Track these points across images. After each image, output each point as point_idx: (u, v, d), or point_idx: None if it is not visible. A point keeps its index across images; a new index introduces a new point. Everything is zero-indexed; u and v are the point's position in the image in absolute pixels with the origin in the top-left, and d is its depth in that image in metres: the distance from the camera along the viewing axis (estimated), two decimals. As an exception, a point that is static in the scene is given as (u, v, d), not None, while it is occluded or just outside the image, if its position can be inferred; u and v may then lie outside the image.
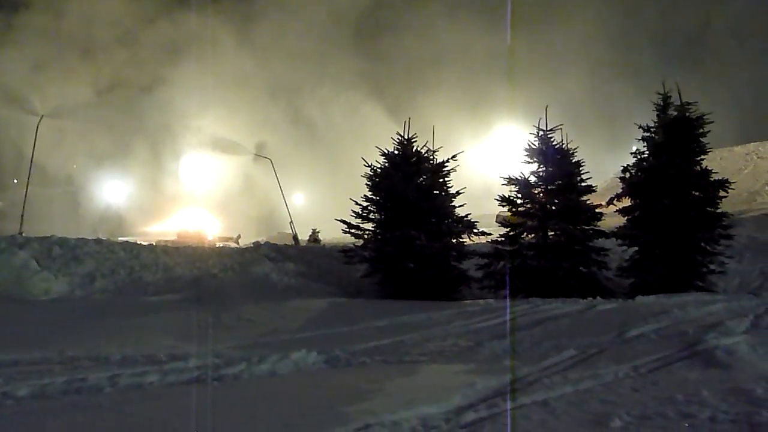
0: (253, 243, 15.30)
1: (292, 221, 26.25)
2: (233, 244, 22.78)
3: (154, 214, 33.48)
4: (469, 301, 8.88)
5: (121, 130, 35.09)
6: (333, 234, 18.22)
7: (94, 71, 36.87)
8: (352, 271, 11.31)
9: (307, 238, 24.06)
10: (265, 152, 34.66)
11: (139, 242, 14.59)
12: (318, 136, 40.75)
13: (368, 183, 10.61)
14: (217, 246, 17.64)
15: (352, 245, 11.08)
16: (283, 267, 12.32)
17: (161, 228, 31.24)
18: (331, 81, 42.63)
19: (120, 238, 17.57)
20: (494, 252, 10.34)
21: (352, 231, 10.76)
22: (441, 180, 10.47)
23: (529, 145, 10.35)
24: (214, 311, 7.86)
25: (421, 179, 10.46)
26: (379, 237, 10.52)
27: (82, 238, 12.53)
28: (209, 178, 36.87)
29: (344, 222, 10.81)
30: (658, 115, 9.95)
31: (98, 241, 12.61)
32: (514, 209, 10.37)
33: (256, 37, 41.66)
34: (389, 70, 45.50)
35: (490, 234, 10.41)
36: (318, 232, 24.08)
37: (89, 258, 11.34)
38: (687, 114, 9.64)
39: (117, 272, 11.16)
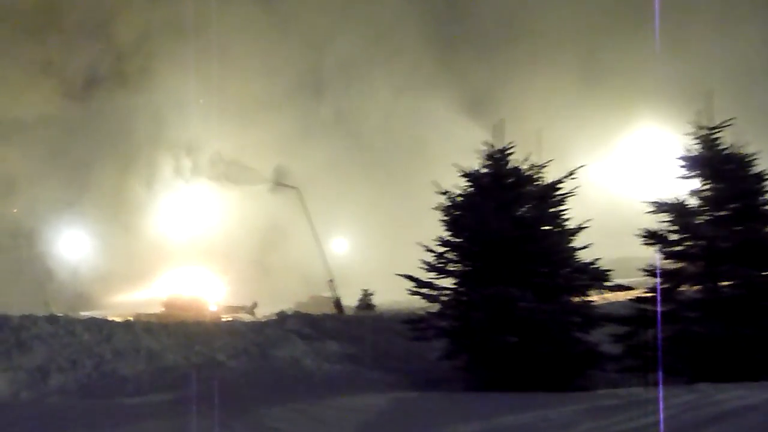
0: (277, 314, 16.69)
1: (332, 280, 27.60)
2: (247, 317, 24.68)
3: (132, 277, 35.79)
4: (603, 391, 9.17)
5: (82, 154, 38.49)
6: (393, 296, 19.31)
7: (42, 68, 40.16)
8: (424, 350, 12.34)
9: (356, 303, 25.73)
10: (288, 180, 36.73)
11: (110, 318, 16.09)
12: (363, 153, 42.42)
13: (444, 219, 10.99)
14: (224, 320, 19.39)
15: (422, 312, 11.71)
16: (321, 348, 13.52)
17: (142, 296, 33.55)
18: (383, 72, 44.11)
19: (83, 314, 19.32)
20: (638, 315, 10.22)
21: (423, 291, 11.15)
22: (553, 210, 10.49)
23: (685, 151, 10.44)
24: (222, 418, 8.14)
25: (523, 209, 10.59)
26: (464, 298, 10.81)
27: (29, 315, 13.91)
28: (209, 221, 39.68)
29: (410, 278, 11.16)
30: None
31: (52, 319, 13.89)
32: (665, 249, 10.29)
33: (276, 8, 45.02)
34: (464, 56, 44.63)
35: (631, 288, 10.41)
36: (371, 294, 25.89)
37: (40, 344, 12.57)
38: None
39: (80, 363, 12.22)
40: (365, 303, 24.91)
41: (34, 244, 37.49)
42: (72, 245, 38.61)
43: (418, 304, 12.40)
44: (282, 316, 15.92)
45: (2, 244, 36.51)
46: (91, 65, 40.62)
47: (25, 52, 38.73)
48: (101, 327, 13.80)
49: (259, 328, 15.01)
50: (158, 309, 28.59)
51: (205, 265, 34.78)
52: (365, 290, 25.61)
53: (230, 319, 20.56)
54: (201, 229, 39.08)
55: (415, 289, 11.30)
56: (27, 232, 37.60)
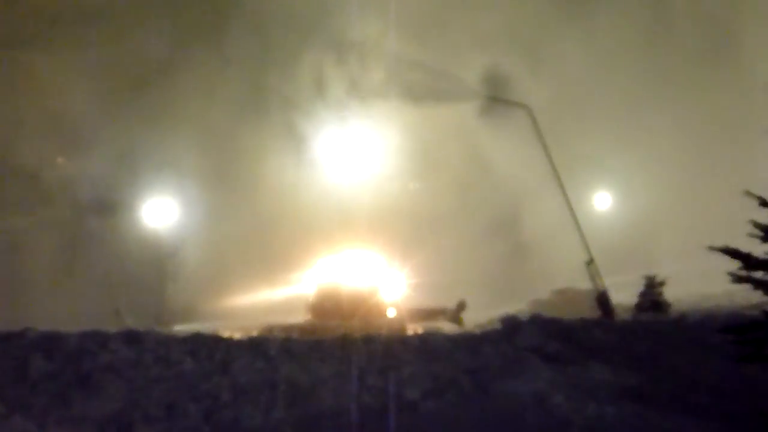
0: (501, 320, 17.59)
1: (592, 261, 27.08)
2: (450, 326, 25.74)
3: (256, 268, 38.20)
4: None
5: (169, 74, 41.29)
6: (698, 287, 20.61)
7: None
8: (762, 378, 12.46)
9: (635, 300, 25.71)
10: (509, 93, 36.55)
11: (225, 334, 17.84)
12: (631, 57, 42.40)
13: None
14: (413, 332, 20.77)
15: (756, 313, 11.85)
16: (580, 376, 13.80)
17: (275, 296, 35.67)
18: None
19: (179, 328, 20.59)
20: None
21: (757, 277, 11.45)
22: None
23: None
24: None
25: None
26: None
27: (95, 333, 15.49)
28: (381, 173, 41.49)
29: (734, 254, 11.54)
30: None
31: (131, 337, 15.42)
32: None
33: None
34: None
35: None
36: (660, 284, 25.53)
37: (114, 378, 13.97)
38: None
39: (180, 409, 13.27)
40: (651, 299, 24.08)
41: (100, 217, 40.56)
42: (159, 221, 41.79)
43: (745, 299, 12.50)
44: (511, 325, 16.65)
45: (50, 216, 39.74)
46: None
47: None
48: (212, 349, 15.13)
49: (474, 344, 15.77)
50: (302, 317, 29.98)
51: (376, 245, 35.51)
52: (650, 277, 24.64)
53: (423, 330, 20.62)
54: (368, 186, 40.45)
55: (743, 274, 11.49)
56: (86, 197, 40.64)
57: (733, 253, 11.58)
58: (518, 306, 23.58)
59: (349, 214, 39.22)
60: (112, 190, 39.90)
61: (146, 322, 25.39)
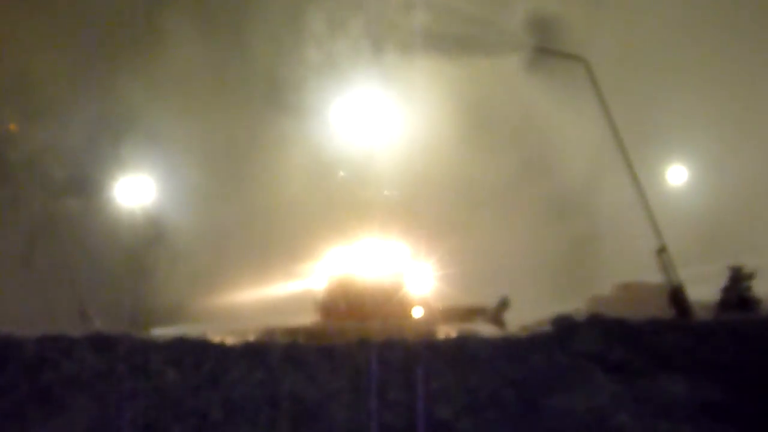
0: (552, 321, 17.20)
1: (664, 249, 26.99)
2: (489, 328, 25.96)
3: (256, 259, 38.81)
4: None
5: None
6: None
7: None
8: None
9: (720, 293, 25.53)
10: (561, 44, 36.74)
11: (215, 338, 18.04)
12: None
13: None
14: (444, 336, 20.98)
15: None
16: (650, 390, 13.71)
17: (277, 293, 35.97)
18: None
19: (159, 331, 20.73)
20: None
21: None
22: None
23: None
24: None
25: None
26: None
27: (57, 337, 15.55)
28: (407, 143, 41.26)
29: None
30: None
31: (98, 342, 15.56)
32: None
33: None
34: None
35: None
36: (749, 277, 25.33)
37: (80, 395, 14.12)
38: None
39: (164, 430, 13.56)
40: (737, 295, 23.93)
41: (65, 204, 41.25)
42: (135, 203, 41.86)
43: None
44: (564, 327, 16.53)
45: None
46: None
47: None
48: (200, 357, 15.15)
49: (519, 351, 15.78)
50: (309, 317, 30.09)
51: (400, 231, 35.56)
52: (735, 268, 24.55)
53: (456, 334, 20.56)
54: (392, 160, 40.69)
55: None
56: (53, 179, 41.28)
57: None
58: (573, 304, 23.46)
59: (368, 192, 39.91)
60: (80, 166, 40.14)
61: (119, 325, 25.47)
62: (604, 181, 35.25)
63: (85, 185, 40.24)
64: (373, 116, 41.77)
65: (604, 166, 34.10)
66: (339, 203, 38.93)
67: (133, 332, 19.20)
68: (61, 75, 39.53)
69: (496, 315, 29.60)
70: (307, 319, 29.93)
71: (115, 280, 37.25)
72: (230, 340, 18.48)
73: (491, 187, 39.14)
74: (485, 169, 39.36)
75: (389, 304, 29.51)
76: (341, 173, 40.51)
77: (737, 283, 25.96)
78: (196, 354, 15.81)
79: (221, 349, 16.43)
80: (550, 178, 39.57)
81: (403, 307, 29.72)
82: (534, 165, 39.73)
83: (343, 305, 29.78)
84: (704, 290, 26.77)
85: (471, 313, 30.15)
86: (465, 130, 39.81)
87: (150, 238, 39.84)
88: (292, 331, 25.72)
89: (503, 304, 29.95)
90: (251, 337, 22.20)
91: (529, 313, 26.41)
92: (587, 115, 32.57)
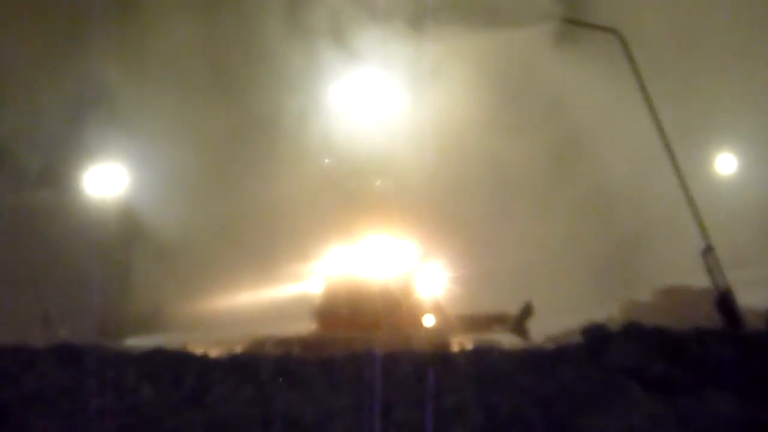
0: (583, 331, 17.18)
1: (710, 248, 26.88)
2: (510, 339, 26.01)
3: (242, 260, 38.89)
4: None
5: None
6: None
7: None
8: None
9: None
10: (592, 15, 36.83)
11: (197, 350, 18.41)
12: None
13: None
14: (459, 347, 21.29)
15: None
16: (697, 409, 13.53)
17: (268, 298, 36.13)
18: None
19: (133, 341, 20.76)
20: None
21: None
22: None
23: None
24: None
25: None
26: None
27: (20, 347, 15.79)
28: (410, 126, 41.27)
29: None
30: None
31: (66, 353, 15.63)
32: None
33: None
34: None
35: None
36: None
37: (45, 416, 14.04)
38: None
39: None
40: None
41: (26, 196, 41.44)
42: (107, 195, 41.99)
43: None
44: (597, 337, 16.58)
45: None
46: None
47: None
48: (180, 371, 15.23)
49: (545, 364, 15.84)
50: (305, 326, 30.25)
51: (409, 228, 35.61)
52: None
53: (473, 345, 20.61)
54: (401, 145, 40.78)
55: None
56: (13, 168, 41.42)
57: None
58: (607, 311, 23.46)
59: (373, 183, 39.80)
60: (45, 153, 40.23)
61: (87, 334, 25.45)
62: (643, 170, 35.44)
63: (52, 175, 40.38)
64: (381, 97, 41.95)
65: (642, 153, 34.08)
66: (340, 196, 38.94)
67: (104, 342, 19.16)
68: (18, 51, 39.67)
69: (519, 323, 29.56)
70: (303, 328, 30.00)
71: (83, 282, 37.01)
72: (215, 352, 18.57)
73: (516, 176, 39.33)
74: (509, 155, 39.59)
75: (396, 310, 29.55)
76: (326, 161, 40.33)
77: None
78: (176, 368, 15.81)
79: (205, 363, 16.44)
80: (582, 166, 39.77)
81: (412, 315, 29.74)
82: (564, 150, 39.97)
83: (344, 312, 29.72)
84: (757, 296, 26.71)
85: (490, 321, 30.17)
86: (486, 111, 40.23)
87: (125, 235, 39.99)
88: (286, 342, 25.82)
89: (527, 311, 29.91)
90: (239, 349, 22.23)
91: (557, 321, 26.55)
92: (624, 94, 32.58)
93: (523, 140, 39.36)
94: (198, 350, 18.88)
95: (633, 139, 35.08)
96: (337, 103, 42.34)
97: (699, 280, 28.25)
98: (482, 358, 17.05)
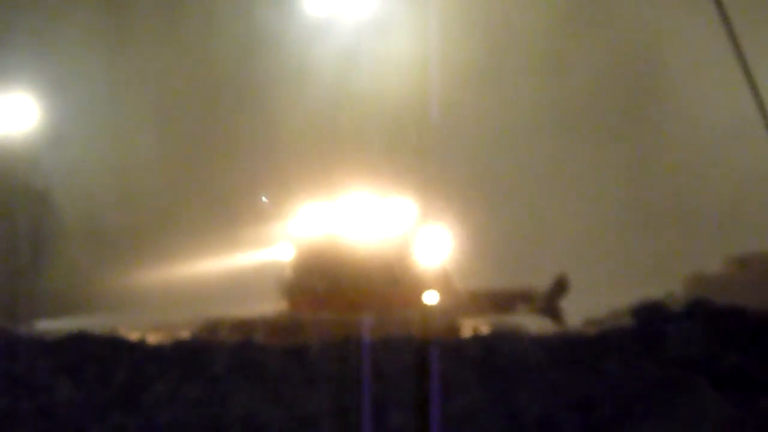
0: (634, 311, 17.68)
1: None
2: (536, 321, 26.10)
3: (190, 220, 39.75)
4: None
5: None
6: None
7: None
8: None
9: None
10: None
11: (131, 337, 18.52)
12: None
13: None
14: (472, 332, 22.08)
15: None
16: None
17: (221, 266, 36.55)
18: None
19: (46, 325, 20.91)
20: None
21: None
22: None
23: None
24: None
25: None
26: None
27: None
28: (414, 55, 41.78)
29: None
30: None
31: None
32: None
33: None
34: None
35: None
36: None
37: None
38: None
39: None
40: None
41: None
42: (11, 136, 42.14)
43: None
44: (650, 319, 16.70)
45: None
46: None
47: None
48: (109, 362, 15.58)
49: (585, 355, 16.01)
50: (271, 304, 30.11)
51: (404, 180, 35.73)
52: None
53: (490, 330, 20.76)
54: (394, 78, 41.36)
55: None
56: None
57: None
58: (665, 286, 23.47)
59: (359, 123, 40.16)
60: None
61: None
62: (710, 102, 35.39)
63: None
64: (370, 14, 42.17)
65: (708, 80, 34.31)
66: (317, 138, 39.12)
67: (8, 326, 19.13)
68: None
69: (550, 302, 29.56)
70: (267, 306, 29.93)
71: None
72: (153, 338, 18.50)
73: (544, 111, 39.33)
74: (536, 85, 39.66)
75: (389, 284, 29.70)
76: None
77: None
78: (103, 358, 15.76)
79: (141, 351, 16.40)
80: (629, 95, 39.79)
81: (410, 290, 29.72)
82: (608, 77, 40.03)
83: (321, 286, 29.76)
84: None
85: (511, 299, 30.15)
86: (509, 40, 40.27)
87: (34, 191, 40.06)
88: (245, 325, 25.77)
89: (560, 287, 29.94)
90: (184, 334, 22.10)
91: (598, 299, 26.55)
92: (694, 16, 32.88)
93: (555, 64, 39.59)
94: (132, 336, 18.82)
95: (701, 73, 35.33)
96: (315, 18, 42.56)
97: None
98: (501, 346, 17.06)
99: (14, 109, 40.36)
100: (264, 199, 36.67)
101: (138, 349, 16.83)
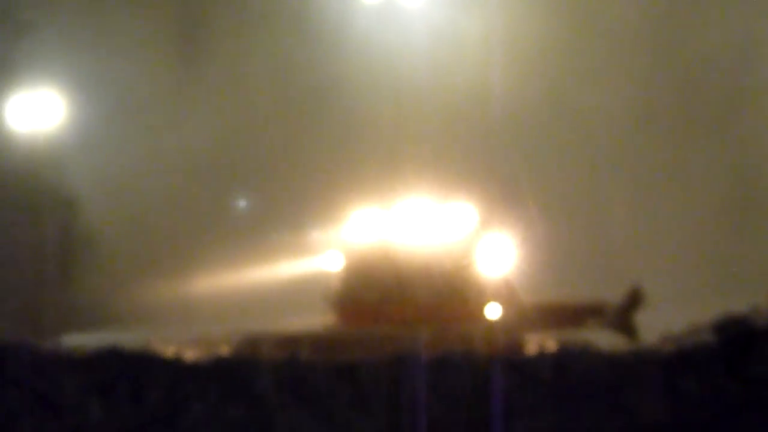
0: (719, 323, 17.95)
1: None
2: (608, 336, 25.74)
3: (229, 229, 40.06)
4: None
5: None
6: None
7: None
8: None
9: None
10: None
11: (167, 353, 18.52)
12: None
13: None
14: (536, 350, 21.77)
15: None
16: None
17: (263, 278, 36.53)
18: None
19: (73, 339, 20.96)
20: None
21: None
22: None
23: None
24: None
25: None
26: None
27: None
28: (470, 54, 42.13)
29: None
30: None
31: None
32: None
33: None
34: None
35: None
36: None
37: None
38: None
39: None
40: None
41: None
42: (35, 136, 41.86)
43: None
44: (734, 335, 16.85)
45: None
46: None
47: None
48: (145, 378, 15.71)
49: (661, 374, 15.98)
50: (318, 318, 30.29)
51: (466, 186, 35.75)
52: None
53: (557, 346, 20.71)
54: (452, 77, 41.26)
55: None
56: None
57: None
58: (750, 298, 23.39)
59: (418, 123, 40.30)
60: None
61: (14, 330, 25.58)
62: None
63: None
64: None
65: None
66: (372, 139, 39.17)
67: (34, 341, 19.16)
68: None
69: (622, 316, 29.48)
70: (314, 320, 30.00)
71: (6, 265, 37.50)
72: (190, 354, 18.53)
73: (624, 112, 39.25)
74: (605, 84, 39.54)
75: (448, 297, 29.63)
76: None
77: None
78: (136, 376, 15.79)
79: (177, 369, 16.41)
80: (720, 96, 39.70)
81: (471, 303, 29.68)
82: (698, 76, 39.94)
83: (373, 298, 29.74)
84: None
85: (581, 313, 30.08)
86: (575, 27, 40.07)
87: (60, 194, 40.15)
88: (290, 340, 25.78)
89: (634, 300, 29.84)
90: (224, 350, 22.17)
91: (677, 314, 26.26)
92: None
93: (626, 66, 39.57)
94: (167, 351, 18.84)
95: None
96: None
97: None
98: (569, 364, 17.06)
99: (42, 112, 40.44)
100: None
101: (174, 366, 16.84)
